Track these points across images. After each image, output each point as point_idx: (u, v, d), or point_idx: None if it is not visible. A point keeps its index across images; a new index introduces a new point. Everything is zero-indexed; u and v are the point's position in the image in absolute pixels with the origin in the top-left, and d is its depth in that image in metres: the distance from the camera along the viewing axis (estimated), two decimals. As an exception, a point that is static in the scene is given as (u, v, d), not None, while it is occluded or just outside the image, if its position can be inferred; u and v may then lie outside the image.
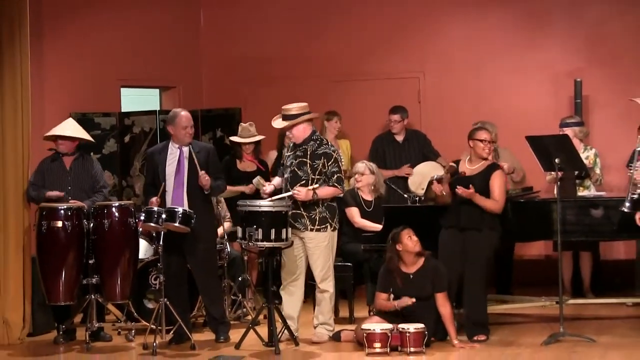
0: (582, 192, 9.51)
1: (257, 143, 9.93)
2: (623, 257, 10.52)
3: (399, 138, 10.61)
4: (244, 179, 9.54)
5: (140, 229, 8.47)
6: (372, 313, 8.37)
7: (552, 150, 8.21)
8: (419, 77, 11.46)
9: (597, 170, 9.67)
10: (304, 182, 8.07)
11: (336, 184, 8.13)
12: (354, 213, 9.22)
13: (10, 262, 8.51)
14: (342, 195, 8.52)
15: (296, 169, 8.12)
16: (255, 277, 9.93)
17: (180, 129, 8.21)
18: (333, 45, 11.62)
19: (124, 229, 8.26)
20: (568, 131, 9.52)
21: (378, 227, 8.95)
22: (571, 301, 9.15)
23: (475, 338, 8.02)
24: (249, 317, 8.90)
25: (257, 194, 8.94)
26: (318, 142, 8.18)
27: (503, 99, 11.06)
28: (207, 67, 12.09)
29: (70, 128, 8.58)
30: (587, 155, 9.61)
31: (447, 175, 8.34)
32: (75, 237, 8.18)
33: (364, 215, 9.23)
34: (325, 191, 8.09)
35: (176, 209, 8.02)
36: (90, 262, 8.26)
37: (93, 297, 8.25)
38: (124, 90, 11.41)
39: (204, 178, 8.07)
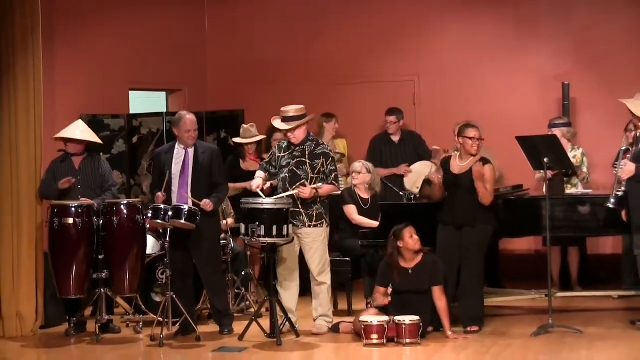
0: (569, 190, 9.50)
1: (259, 143, 9.92)
2: (609, 252, 10.50)
3: (395, 138, 10.59)
4: (248, 178, 9.48)
5: (148, 226, 8.44)
6: (369, 306, 8.35)
7: (541, 149, 8.19)
8: (414, 80, 11.43)
9: (584, 169, 9.65)
10: (303, 181, 8.06)
11: (334, 182, 8.18)
12: (351, 210, 9.20)
13: (24, 258, 8.49)
14: (338, 192, 8.48)
15: (295, 169, 8.10)
16: (258, 271, 9.92)
17: (184, 131, 8.18)
18: (332, 50, 11.60)
19: (132, 225, 8.24)
20: (556, 132, 9.50)
21: (375, 223, 8.94)
22: (560, 294, 9.11)
23: (468, 329, 8.00)
24: (252, 310, 8.88)
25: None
26: (315, 142, 8.20)
27: (494, 100, 11.04)
28: (212, 71, 12.07)
29: (79, 130, 8.54)
30: (574, 155, 9.59)
31: (439, 171, 8.34)
32: (86, 234, 8.16)
33: (361, 212, 9.21)
34: (326, 189, 8.11)
35: (182, 207, 8.00)
36: (100, 257, 8.23)
37: (103, 290, 8.23)
38: (132, 93, 11.39)
39: (207, 206, 8.06)
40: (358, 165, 9.40)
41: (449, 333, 7.85)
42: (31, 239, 8.53)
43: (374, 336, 7.68)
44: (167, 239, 8.01)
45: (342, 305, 9.26)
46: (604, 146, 9.94)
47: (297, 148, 8.16)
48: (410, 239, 7.90)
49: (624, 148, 8.01)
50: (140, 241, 8.33)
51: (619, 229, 8.33)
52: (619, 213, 8.08)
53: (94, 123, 9.70)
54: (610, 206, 8.01)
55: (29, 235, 8.53)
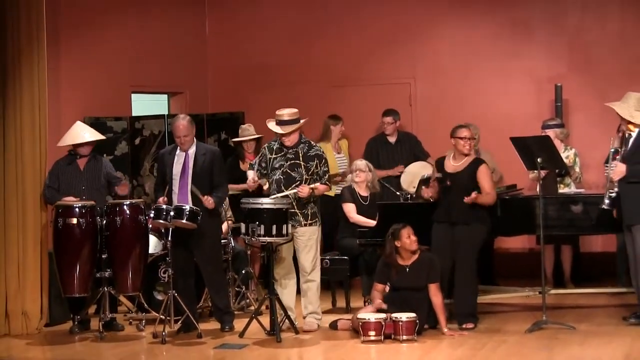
0: (562, 190, 9.50)
1: (258, 142, 9.92)
2: (601, 250, 10.51)
3: (392, 139, 10.59)
4: (247, 179, 9.52)
5: (150, 226, 8.43)
6: (366, 303, 8.35)
7: (535, 150, 8.19)
8: (410, 82, 11.43)
9: (577, 169, 9.66)
10: (298, 182, 8.09)
11: (327, 182, 8.24)
12: (350, 209, 9.20)
13: (29, 257, 8.50)
14: (329, 190, 8.49)
15: (289, 171, 8.11)
16: (258, 270, 9.91)
17: (175, 137, 8.21)
18: (330, 53, 11.60)
19: (135, 225, 8.24)
20: (549, 132, 9.50)
21: (372, 222, 8.94)
22: (553, 291, 9.14)
23: (464, 326, 8.01)
24: (252, 308, 8.89)
25: (258, 191, 8.92)
26: (307, 144, 8.22)
27: (488, 102, 11.04)
28: (213, 74, 12.07)
29: (88, 133, 8.55)
30: (567, 155, 9.60)
31: (434, 177, 8.35)
32: (89, 233, 8.16)
33: (360, 209, 9.21)
34: (320, 189, 8.15)
35: (183, 207, 8.01)
36: (103, 256, 8.24)
37: (106, 289, 8.24)
38: (134, 96, 11.38)
39: (208, 202, 8.06)
40: (361, 163, 9.40)
41: (445, 330, 7.85)
42: (36, 238, 8.54)
43: (372, 333, 7.68)
44: (169, 238, 8.02)
45: (340, 303, 9.26)
46: (596, 146, 9.94)
47: (291, 150, 8.17)
48: (407, 239, 7.91)
49: (612, 149, 8.00)
50: (142, 241, 8.33)
51: (611, 227, 8.33)
52: (610, 211, 8.09)
53: (97, 125, 9.69)
54: (605, 207, 8.01)
55: (34, 235, 8.53)
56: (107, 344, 8.00)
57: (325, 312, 8.61)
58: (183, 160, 8.22)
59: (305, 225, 8.14)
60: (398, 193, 9.57)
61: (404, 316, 7.68)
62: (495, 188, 9.03)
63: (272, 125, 8.18)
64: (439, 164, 8.30)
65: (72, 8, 10.33)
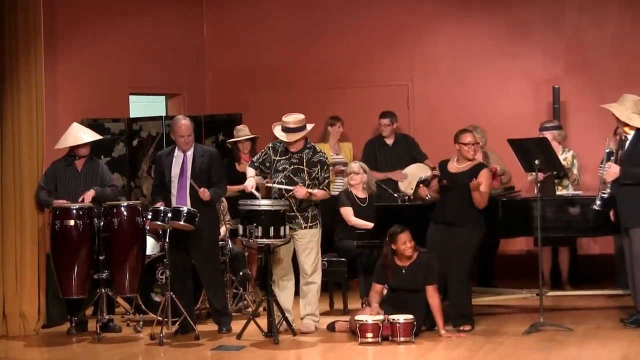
0: (560, 192, 9.51)
1: (253, 143, 9.91)
2: (598, 252, 10.52)
3: (389, 141, 10.60)
4: (244, 180, 9.47)
5: (148, 227, 8.43)
6: (364, 305, 8.36)
7: (533, 152, 8.20)
8: (407, 84, 11.44)
9: (575, 171, 9.67)
10: (299, 183, 8.07)
11: (326, 188, 8.21)
12: (348, 212, 9.20)
13: (26, 259, 8.50)
14: (328, 197, 8.48)
15: (291, 175, 8.11)
16: (256, 271, 9.91)
17: (179, 137, 8.19)
18: (328, 55, 11.61)
19: (133, 227, 8.23)
20: (547, 134, 9.50)
21: (370, 225, 8.95)
22: (550, 293, 9.14)
23: (461, 328, 8.01)
24: (250, 309, 8.87)
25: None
26: (312, 150, 8.21)
27: (486, 104, 11.05)
28: (210, 75, 12.07)
29: (86, 134, 8.55)
30: (565, 157, 9.60)
31: (433, 179, 8.35)
32: (87, 235, 8.16)
33: (358, 211, 9.21)
34: (319, 194, 8.13)
35: (181, 209, 8.01)
36: (100, 258, 8.24)
37: (103, 290, 8.23)
38: (132, 97, 11.38)
39: (204, 194, 8.06)
40: (355, 166, 9.42)
41: (443, 331, 7.86)
42: (34, 240, 8.54)
43: (369, 335, 7.69)
44: (167, 240, 8.02)
45: (338, 305, 9.27)
46: (593, 148, 9.92)
47: (295, 155, 8.17)
48: (403, 244, 7.90)
49: (607, 150, 7.99)
50: (140, 242, 8.32)
51: (609, 229, 8.35)
52: (607, 214, 8.10)
53: (94, 127, 9.68)
54: (596, 208, 8.02)
55: (32, 236, 8.53)
56: (105, 346, 7.99)
57: (322, 313, 8.61)
58: (181, 161, 8.22)
59: (305, 227, 8.14)
60: (396, 195, 9.59)
61: (401, 318, 7.68)
62: (492, 190, 9.06)
63: (277, 130, 8.17)
64: (442, 166, 8.29)
65: (69, 9, 10.34)
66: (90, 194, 8.30)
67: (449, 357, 7.36)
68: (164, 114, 11.61)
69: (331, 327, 8.26)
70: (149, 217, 8.14)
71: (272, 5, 11.92)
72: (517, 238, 10.24)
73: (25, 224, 8.51)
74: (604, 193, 7.94)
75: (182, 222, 7.97)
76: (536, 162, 8.11)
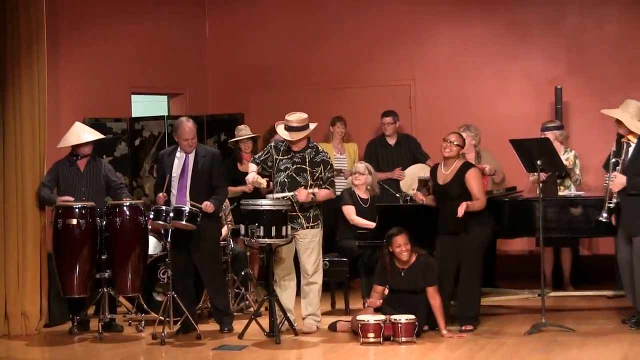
0: (562, 192, 9.50)
1: (255, 142, 9.91)
2: (601, 253, 10.51)
3: (391, 141, 10.60)
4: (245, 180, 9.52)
5: (150, 227, 8.43)
6: (366, 305, 8.35)
7: (535, 152, 8.19)
8: (409, 84, 11.44)
9: (577, 171, 9.66)
10: (302, 187, 8.07)
11: (330, 187, 8.19)
12: (350, 211, 9.19)
13: (29, 258, 8.50)
14: (334, 197, 8.48)
15: (294, 175, 8.10)
16: (257, 271, 9.91)
17: (182, 140, 8.18)
18: (330, 55, 11.62)
19: (135, 226, 8.24)
20: (549, 135, 9.49)
21: (372, 224, 8.94)
22: (552, 293, 9.13)
23: (463, 328, 8.00)
24: (252, 309, 8.88)
25: (256, 193, 8.91)
26: (315, 149, 8.19)
27: (488, 105, 11.05)
28: (212, 75, 12.07)
29: (88, 134, 8.55)
30: (567, 157, 9.60)
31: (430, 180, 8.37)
32: (89, 234, 8.16)
33: (360, 212, 9.21)
34: (323, 194, 8.11)
35: (183, 208, 8.01)
36: (102, 257, 8.24)
37: (105, 290, 8.23)
38: (134, 97, 11.39)
39: (208, 208, 8.05)
40: (361, 166, 9.40)
41: (444, 332, 7.85)
42: (36, 239, 8.54)
43: (371, 335, 7.68)
44: (169, 239, 8.02)
45: (340, 305, 9.26)
46: (595, 149, 9.94)
47: (298, 154, 8.16)
48: (398, 247, 7.89)
49: (613, 160, 7.90)
50: (142, 242, 8.33)
51: (611, 230, 8.32)
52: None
53: (97, 126, 9.69)
54: (603, 220, 7.94)
55: (34, 236, 8.53)
56: (106, 345, 7.99)
57: (324, 313, 8.61)
58: (183, 161, 8.22)
59: (307, 227, 8.13)
60: (397, 195, 9.59)
61: (403, 318, 7.68)
62: (495, 190, 9.06)
63: (280, 129, 8.15)
64: (433, 173, 8.28)
65: (71, 9, 10.35)
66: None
67: (450, 357, 7.35)
68: (165, 114, 11.62)
69: (333, 327, 8.26)
70: (151, 216, 8.14)
71: (274, 6, 11.92)
72: (519, 238, 10.23)
73: (27, 223, 8.51)
74: (610, 203, 7.87)
75: (184, 222, 7.96)
76: (538, 162, 8.10)
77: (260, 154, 8.39)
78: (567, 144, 9.94)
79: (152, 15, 11.38)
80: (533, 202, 8.48)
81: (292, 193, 8.00)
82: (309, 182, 8.09)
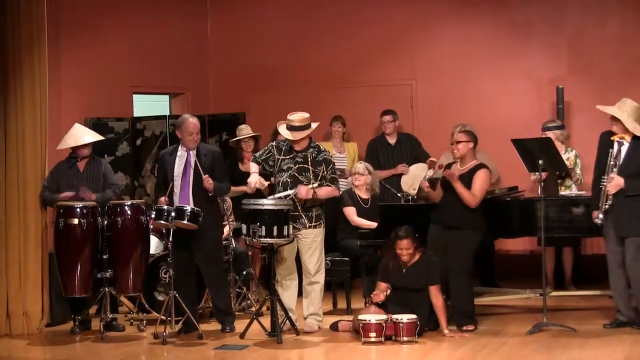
0: (563, 192, 9.49)
1: (256, 142, 9.91)
2: (602, 252, 10.47)
3: (392, 140, 10.59)
4: (246, 180, 9.50)
5: (151, 226, 8.43)
6: (367, 304, 8.35)
7: (536, 152, 8.18)
8: (411, 84, 11.44)
9: (578, 171, 9.65)
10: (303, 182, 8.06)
11: (332, 185, 8.17)
12: (351, 212, 9.19)
13: (30, 258, 8.50)
14: (338, 195, 8.48)
15: (296, 174, 8.10)
16: (259, 271, 9.91)
17: (187, 134, 8.18)
18: (332, 55, 11.62)
19: (136, 226, 8.24)
20: (550, 134, 9.49)
21: (373, 224, 8.94)
22: (554, 293, 9.13)
23: (464, 328, 8.00)
24: (253, 309, 8.88)
25: (258, 193, 8.91)
26: (317, 149, 8.19)
27: (489, 104, 11.05)
28: (214, 75, 12.07)
29: (87, 134, 8.56)
30: (568, 157, 9.59)
31: (436, 174, 8.35)
32: (90, 234, 8.16)
33: (361, 212, 9.21)
34: (324, 191, 8.10)
35: (185, 208, 8.00)
36: (104, 257, 8.24)
37: (107, 289, 8.23)
38: (136, 97, 11.39)
39: (207, 182, 8.04)
40: (361, 166, 9.40)
41: (446, 331, 7.85)
42: (37, 239, 8.54)
43: (372, 334, 7.68)
44: (170, 239, 8.02)
45: (341, 304, 9.26)
46: (596, 148, 9.92)
47: (300, 154, 8.15)
48: (400, 250, 7.89)
49: (611, 162, 7.88)
50: (143, 241, 8.33)
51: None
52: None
53: (98, 126, 9.70)
54: (599, 222, 7.94)
55: (35, 235, 8.53)
56: (108, 345, 7.99)
57: (326, 313, 8.60)
58: (184, 160, 8.22)
59: (309, 227, 8.13)
60: (399, 194, 9.58)
61: (404, 317, 7.68)
62: (496, 190, 9.05)
63: (282, 128, 8.15)
64: (448, 167, 8.28)
65: (73, 9, 10.34)
66: (90, 199, 8.27)
67: (452, 357, 7.35)
68: (167, 113, 11.62)
69: (334, 327, 8.25)
70: (153, 216, 8.13)
71: (276, 6, 11.93)
72: (520, 238, 10.21)
73: (28, 223, 8.50)
74: (607, 205, 7.87)
75: (185, 222, 7.96)
76: (539, 162, 8.10)
77: (260, 152, 8.38)
78: (568, 144, 9.93)
79: (153, 15, 11.38)
80: (534, 202, 8.47)
81: (293, 191, 7.99)
82: (311, 182, 8.08)
